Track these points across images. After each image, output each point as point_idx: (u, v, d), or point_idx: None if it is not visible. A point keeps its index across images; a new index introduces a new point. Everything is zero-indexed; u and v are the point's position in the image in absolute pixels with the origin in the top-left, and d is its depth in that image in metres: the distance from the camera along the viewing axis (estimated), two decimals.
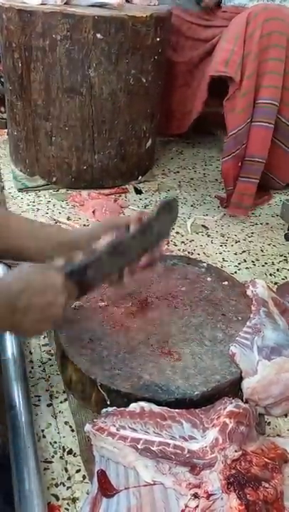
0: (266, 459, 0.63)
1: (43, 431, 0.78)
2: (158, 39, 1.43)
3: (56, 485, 0.70)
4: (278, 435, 0.81)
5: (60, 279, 0.70)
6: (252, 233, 1.42)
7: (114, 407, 0.73)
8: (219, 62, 1.30)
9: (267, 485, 0.59)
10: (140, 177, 1.66)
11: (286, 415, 0.85)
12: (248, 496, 0.57)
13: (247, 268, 1.25)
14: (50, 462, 0.73)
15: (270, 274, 1.24)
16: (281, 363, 0.81)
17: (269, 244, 1.37)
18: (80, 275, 0.74)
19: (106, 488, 0.64)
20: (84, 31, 1.32)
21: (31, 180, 1.57)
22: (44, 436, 0.77)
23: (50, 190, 1.55)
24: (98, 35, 1.33)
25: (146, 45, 1.41)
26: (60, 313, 0.70)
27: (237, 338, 0.86)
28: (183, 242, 1.34)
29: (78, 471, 0.72)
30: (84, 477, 0.71)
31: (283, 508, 0.60)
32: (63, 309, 0.71)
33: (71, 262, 0.75)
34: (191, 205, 1.55)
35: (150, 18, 1.38)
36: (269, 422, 0.83)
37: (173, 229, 0.91)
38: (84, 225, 1.37)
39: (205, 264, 1.08)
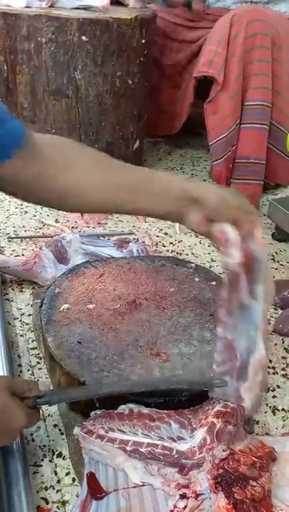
0: (254, 458, 0.63)
1: (31, 434, 0.78)
2: (143, 41, 1.44)
3: (46, 488, 0.70)
4: (267, 433, 0.81)
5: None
6: None
7: (103, 410, 0.73)
8: (202, 63, 1.31)
9: (255, 483, 0.60)
10: None
11: (274, 413, 0.86)
12: (235, 494, 0.58)
13: None
14: (40, 466, 0.73)
15: None
16: None
17: None
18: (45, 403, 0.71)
19: (95, 491, 0.64)
20: (69, 34, 1.33)
21: None
22: (33, 440, 0.77)
23: None
24: (83, 38, 1.34)
25: (131, 47, 1.41)
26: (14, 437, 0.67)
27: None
28: (171, 243, 1.35)
29: (68, 473, 0.72)
30: (73, 480, 0.71)
31: (271, 506, 0.61)
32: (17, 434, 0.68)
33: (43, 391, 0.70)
34: None
35: (135, 20, 1.38)
36: (258, 421, 0.84)
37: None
38: (72, 228, 1.37)
39: (193, 265, 1.09)
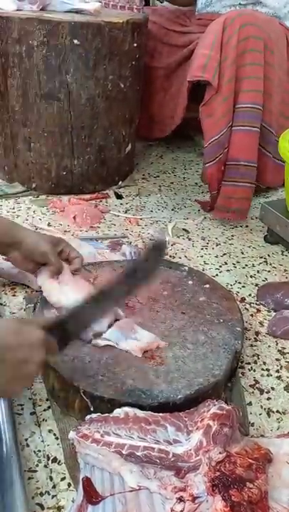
0: (250, 460, 0.63)
1: (26, 440, 0.77)
2: (135, 44, 1.44)
3: (41, 494, 0.69)
4: (262, 435, 0.81)
5: (37, 334, 0.67)
6: (232, 236, 1.44)
7: (98, 414, 0.72)
8: (196, 68, 1.31)
9: (251, 485, 0.60)
10: (120, 182, 1.66)
11: (269, 415, 0.86)
12: (232, 497, 0.58)
13: (228, 271, 1.27)
14: (35, 471, 0.72)
15: (251, 276, 1.25)
16: None
17: (249, 247, 1.39)
18: (61, 329, 0.73)
19: (91, 495, 0.64)
20: (61, 37, 1.32)
21: (10, 186, 1.56)
22: (28, 445, 0.76)
23: (30, 197, 1.54)
24: (75, 41, 1.33)
25: (123, 50, 1.42)
26: (36, 370, 0.68)
27: None
28: None
29: (63, 479, 0.72)
30: (69, 485, 0.71)
31: (268, 508, 0.61)
32: (40, 367, 0.68)
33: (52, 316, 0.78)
34: (172, 209, 1.56)
35: (126, 23, 1.39)
36: (253, 423, 0.84)
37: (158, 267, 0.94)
38: (65, 231, 1.36)
39: (186, 268, 1.09)
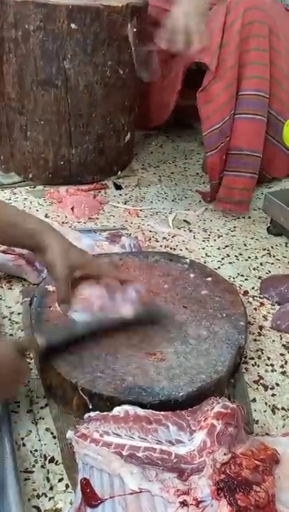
0: (256, 461, 0.61)
1: (22, 439, 0.74)
2: (135, 29, 1.39)
3: (38, 496, 0.67)
4: (267, 434, 0.79)
5: (9, 358, 0.70)
6: (234, 227, 1.40)
7: (97, 412, 0.69)
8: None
9: (258, 488, 0.57)
10: (119, 172, 1.62)
11: (274, 412, 0.83)
12: (238, 501, 0.55)
13: (230, 263, 1.23)
14: (31, 472, 0.70)
15: (254, 269, 1.22)
16: None
17: (252, 238, 1.35)
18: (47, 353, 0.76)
19: (90, 498, 0.61)
20: (58, 21, 1.28)
21: (6, 176, 1.52)
22: (24, 445, 0.73)
23: (27, 187, 1.50)
24: (73, 26, 1.29)
25: (122, 35, 1.37)
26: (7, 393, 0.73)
27: None
28: (165, 237, 1.31)
29: (61, 480, 0.69)
30: (67, 486, 0.68)
31: (275, 511, 0.58)
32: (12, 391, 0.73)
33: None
34: (172, 200, 1.52)
35: (126, 7, 1.34)
36: (257, 420, 0.81)
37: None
38: (63, 223, 1.33)
39: (188, 261, 1.06)
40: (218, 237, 1.35)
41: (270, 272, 1.21)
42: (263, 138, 1.38)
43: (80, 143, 1.47)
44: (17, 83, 1.37)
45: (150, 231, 1.34)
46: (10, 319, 0.98)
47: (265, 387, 0.88)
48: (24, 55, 1.32)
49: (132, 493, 0.59)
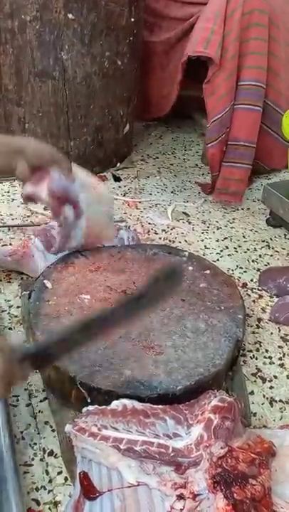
0: (253, 455, 0.61)
1: (21, 432, 0.75)
2: (133, 19, 1.38)
3: (37, 489, 0.67)
4: (264, 426, 0.79)
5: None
6: (233, 219, 1.40)
7: (96, 406, 0.70)
8: (198, 42, 1.25)
9: (254, 482, 0.58)
10: (118, 164, 1.61)
11: (271, 405, 0.83)
12: (235, 495, 0.55)
13: (229, 255, 1.23)
14: (30, 465, 0.70)
15: (253, 261, 1.22)
16: None
17: (251, 230, 1.35)
18: (36, 357, 0.66)
19: (89, 491, 0.62)
20: (55, 11, 1.26)
21: None
22: (23, 438, 0.74)
23: None
24: (70, 16, 1.27)
25: (120, 25, 1.36)
26: None
27: None
28: (164, 230, 1.31)
29: (60, 473, 0.70)
30: (66, 479, 0.69)
31: (271, 504, 0.59)
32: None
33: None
34: (172, 192, 1.52)
35: None
36: (255, 413, 0.82)
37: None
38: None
39: (186, 253, 1.06)
40: (217, 229, 1.34)
41: (269, 264, 1.21)
42: (258, 129, 1.38)
43: (79, 135, 1.46)
44: (14, 75, 1.36)
45: (149, 223, 1.33)
46: (9, 313, 0.98)
47: (263, 380, 0.88)
48: (21, 46, 1.31)
49: (129, 486, 0.60)
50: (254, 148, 1.38)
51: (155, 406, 0.69)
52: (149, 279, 0.77)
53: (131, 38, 1.41)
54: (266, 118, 1.38)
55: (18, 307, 0.99)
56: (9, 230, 1.24)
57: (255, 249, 1.26)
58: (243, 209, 1.45)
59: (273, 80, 1.35)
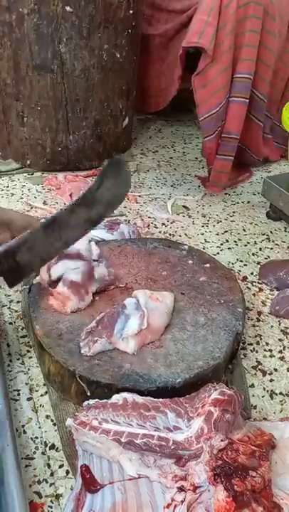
0: (253, 447, 0.61)
1: (23, 426, 0.75)
2: (131, 11, 1.37)
3: (38, 482, 0.68)
4: (264, 418, 0.79)
5: None
6: (233, 212, 1.39)
7: (96, 399, 0.70)
8: (192, 34, 1.24)
9: (254, 474, 0.58)
10: None
11: (272, 397, 0.84)
12: (235, 486, 0.56)
13: (229, 248, 1.23)
14: (32, 459, 0.71)
15: (253, 254, 1.22)
16: None
17: (251, 223, 1.35)
18: (9, 262, 0.63)
19: (90, 484, 0.62)
20: (52, 4, 1.25)
21: (4, 163, 1.51)
22: (25, 432, 0.74)
23: (25, 174, 1.50)
24: (68, 8, 1.26)
25: (119, 18, 1.35)
26: None
27: None
28: (164, 223, 1.31)
29: (61, 466, 0.70)
30: (67, 472, 0.69)
31: (271, 496, 0.59)
32: None
33: None
34: (171, 186, 1.51)
35: None
36: (255, 406, 0.82)
37: (127, 192, 0.80)
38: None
39: (186, 247, 1.06)
40: (217, 222, 1.34)
41: (269, 257, 1.21)
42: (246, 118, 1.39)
43: (78, 128, 1.45)
44: (12, 68, 1.35)
45: (149, 217, 1.33)
46: (9, 308, 0.98)
47: (264, 373, 0.88)
48: (19, 39, 1.30)
49: (130, 479, 0.60)
50: (238, 140, 1.39)
51: (155, 399, 0.69)
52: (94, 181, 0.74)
53: (129, 31, 1.40)
54: (254, 109, 1.40)
55: (18, 302, 0.99)
56: None
57: (256, 243, 1.26)
58: (243, 202, 1.45)
59: (264, 71, 1.35)
